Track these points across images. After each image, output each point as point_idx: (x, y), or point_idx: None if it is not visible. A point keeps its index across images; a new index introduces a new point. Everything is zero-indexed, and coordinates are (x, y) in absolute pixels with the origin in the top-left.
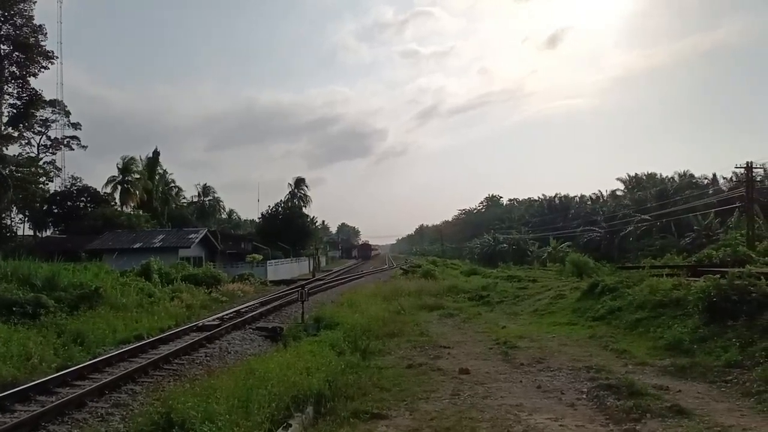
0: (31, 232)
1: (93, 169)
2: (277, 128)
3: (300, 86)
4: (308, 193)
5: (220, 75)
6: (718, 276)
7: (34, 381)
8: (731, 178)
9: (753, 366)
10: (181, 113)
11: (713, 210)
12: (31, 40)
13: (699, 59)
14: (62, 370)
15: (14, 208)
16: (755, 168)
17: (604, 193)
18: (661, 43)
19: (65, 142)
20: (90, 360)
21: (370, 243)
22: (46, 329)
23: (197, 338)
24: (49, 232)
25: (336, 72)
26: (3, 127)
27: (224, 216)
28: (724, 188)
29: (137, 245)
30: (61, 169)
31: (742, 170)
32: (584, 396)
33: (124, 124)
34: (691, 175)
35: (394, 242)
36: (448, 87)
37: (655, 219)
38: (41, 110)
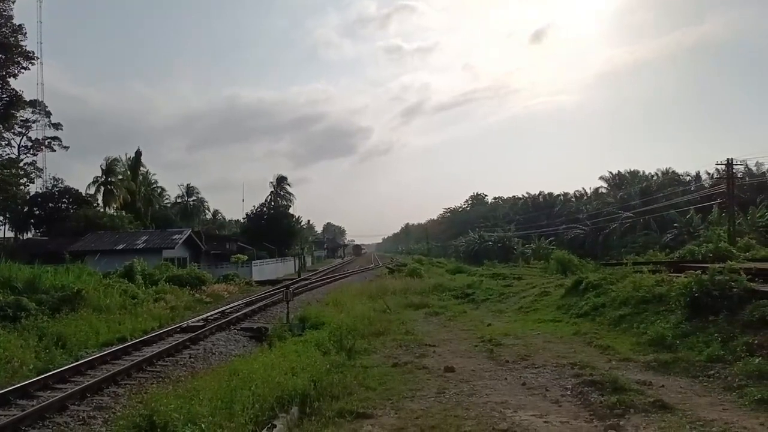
0: (11, 235)
1: (72, 169)
2: (259, 127)
3: (282, 83)
4: (291, 191)
5: (200, 73)
6: (700, 272)
7: (14, 385)
8: (713, 174)
9: (734, 360)
10: (162, 112)
11: (694, 206)
12: (11, 40)
13: (684, 54)
14: (43, 374)
15: None
16: (736, 164)
17: (588, 191)
18: (647, 39)
19: (46, 143)
20: (72, 363)
21: (359, 244)
22: (27, 332)
23: (181, 339)
24: (30, 234)
25: (319, 69)
26: None
27: (209, 216)
28: (706, 185)
29: (120, 246)
30: (42, 171)
31: (723, 167)
32: (569, 392)
33: (103, 123)
34: (674, 172)
35: (380, 241)
36: (432, 84)
37: (638, 216)
38: (21, 111)
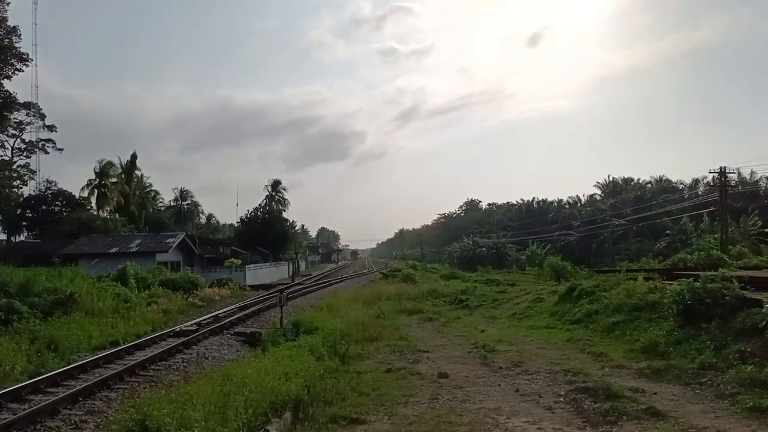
0: (4, 237)
1: (62, 170)
2: (253, 129)
3: (276, 85)
4: (286, 196)
5: (192, 73)
6: (692, 279)
7: (5, 388)
8: (708, 182)
9: (727, 368)
10: (154, 114)
11: (687, 215)
12: (5, 41)
13: (680, 59)
14: (35, 377)
15: None
16: (729, 173)
17: (582, 198)
18: (643, 43)
19: (40, 145)
20: (64, 367)
21: (355, 249)
22: (19, 336)
23: (174, 344)
24: (23, 237)
25: (313, 70)
26: None
27: (202, 220)
28: (700, 192)
29: (114, 250)
30: (35, 173)
31: (716, 174)
32: (562, 399)
33: (94, 124)
34: (668, 180)
35: (374, 246)
36: (427, 87)
37: (632, 223)
38: (15, 113)
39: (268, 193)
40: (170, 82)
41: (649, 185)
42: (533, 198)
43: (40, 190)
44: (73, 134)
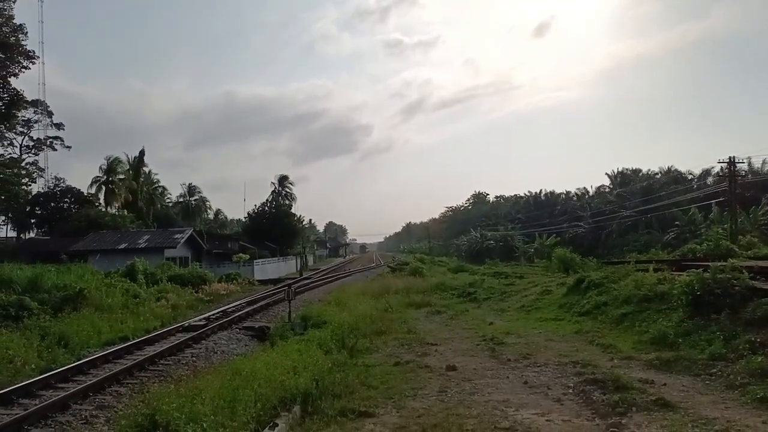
0: (14, 234)
1: (67, 166)
2: (258, 124)
3: (280, 79)
4: (293, 191)
5: (195, 69)
6: (702, 270)
7: (16, 384)
8: (717, 172)
9: (737, 359)
10: (158, 109)
11: (696, 205)
12: (12, 39)
13: (688, 49)
14: (46, 373)
15: None
16: (739, 162)
17: (590, 189)
18: (650, 33)
19: (48, 143)
20: (74, 362)
21: (364, 244)
22: (30, 332)
23: (183, 339)
24: (32, 234)
25: (317, 64)
26: None
27: (210, 216)
28: (709, 182)
29: (122, 246)
30: (44, 170)
31: (726, 164)
32: (571, 391)
33: (97, 121)
34: (676, 170)
35: (382, 240)
36: (434, 80)
37: (641, 214)
38: (23, 111)
39: (274, 188)
40: (173, 78)
41: (657, 176)
42: (541, 190)
43: (48, 188)
44: (76, 131)
